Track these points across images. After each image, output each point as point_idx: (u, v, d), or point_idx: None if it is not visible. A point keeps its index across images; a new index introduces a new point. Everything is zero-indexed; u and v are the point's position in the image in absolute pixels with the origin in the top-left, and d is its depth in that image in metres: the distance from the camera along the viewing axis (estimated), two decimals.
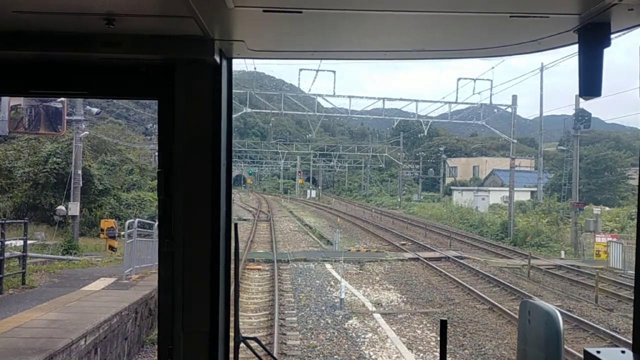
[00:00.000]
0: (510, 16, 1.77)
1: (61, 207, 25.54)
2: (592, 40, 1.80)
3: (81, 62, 2.08)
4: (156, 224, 17.17)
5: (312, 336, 13.20)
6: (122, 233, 18.18)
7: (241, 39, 2.05)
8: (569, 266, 24.06)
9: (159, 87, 2.10)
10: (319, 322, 14.41)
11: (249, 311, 15.47)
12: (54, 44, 1.94)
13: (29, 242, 14.94)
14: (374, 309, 16.16)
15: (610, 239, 26.08)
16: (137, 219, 15.96)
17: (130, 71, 2.09)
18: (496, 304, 16.26)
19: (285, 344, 12.50)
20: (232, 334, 2.22)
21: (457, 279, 20.34)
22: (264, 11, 1.74)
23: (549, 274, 22.43)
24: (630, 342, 1.80)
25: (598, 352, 1.73)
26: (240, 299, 16.06)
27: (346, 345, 12.63)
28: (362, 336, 13.38)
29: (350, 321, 14.65)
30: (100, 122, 51.30)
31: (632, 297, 1.92)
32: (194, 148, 2.08)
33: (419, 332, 14.02)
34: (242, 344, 2.25)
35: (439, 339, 2.12)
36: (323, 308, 15.94)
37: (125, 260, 14.66)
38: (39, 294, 12.00)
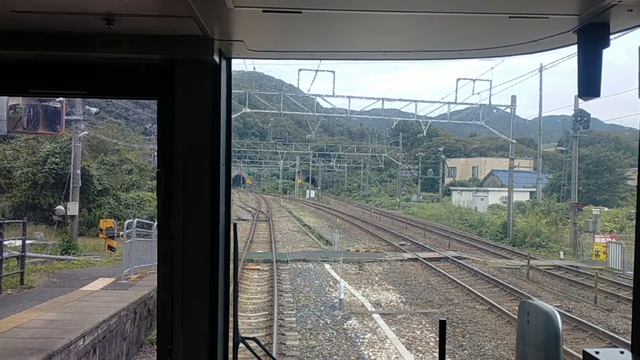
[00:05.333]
0: (510, 17, 1.77)
1: (60, 207, 25.51)
2: (592, 41, 1.80)
3: (81, 62, 2.08)
4: (155, 223, 17.16)
5: (311, 336, 13.19)
6: (121, 233, 18.16)
7: (241, 39, 2.05)
8: (568, 267, 24.08)
9: (159, 87, 2.10)
10: (318, 323, 14.40)
11: (248, 311, 15.45)
12: (53, 44, 1.93)
13: (28, 242, 14.93)
14: (373, 309, 16.15)
15: (610, 239, 26.09)
16: (136, 219, 15.93)
17: (130, 71, 2.09)
18: (495, 304, 16.26)
19: (284, 344, 12.49)
20: (231, 334, 2.23)
21: (456, 279, 20.35)
22: (264, 11, 1.74)
23: (548, 275, 22.43)
24: (629, 342, 1.80)
25: (597, 352, 1.73)
26: (239, 299, 16.06)
27: (345, 346, 12.62)
28: (361, 336, 13.37)
29: (350, 321, 14.64)
30: (100, 122, 51.24)
31: (631, 298, 1.90)
32: (193, 148, 2.09)
33: (418, 332, 14.01)
34: (241, 344, 2.24)
35: (437, 339, 2.13)
36: (322, 308, 15.93)
37: (124, 260, 14.64)
38: (37, 294, 11.98)
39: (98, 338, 9.22)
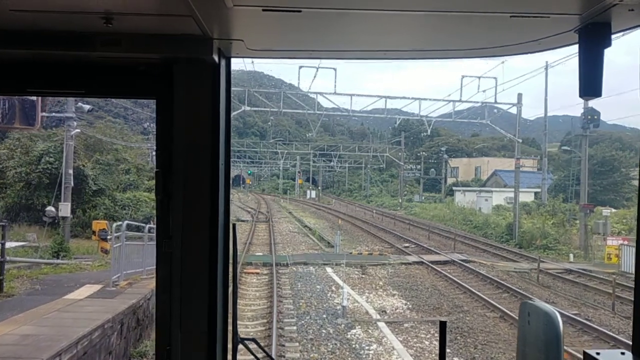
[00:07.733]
0: (511, 16, 1.76)
1: (51, 208, 24.63)
2: (593, 41, 1.79)
3: (79, 61, 2.07)
4: (147, 226, 16.27)
5: (313, 348, 12.31)
6: (109, 237, 17.29)
7: (240, 38, 2.04)
8: (580, 270, 23.15)
9: (158, 87, 2.09)
10: (320, 332, 13.52)
11: (246, 319, 14.58)
12: (52, 43, 1.92)
13: (20, 243, 13.99)
14: (378, 316, 15.27)
15: (622, 241, 25.15)
16: (126, 222, 15.02)
17: (129, 70, 2.09)
18: (507, 312, 15.36)
19: (284, 356, 11.62)
20: (230, 335, 2.22)
21: (464, 284, 19.45)
22: (263, 10, 1.73)
23: (559, 279, 21.54)
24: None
25: (598, 353, 1.75)
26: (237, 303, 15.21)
27: (349, 358, 11.75)
28: (367, 347, 12.49)
29: (353, 331, 13.76)
30: (98, 121, 50.47)
31: None
32: (192, 148, 2.08)
33: (426, 342, 13.15)
34: (240, 345, 2.20)
35: (440, 344, 2.01)
36: (324, 316, 15.03)
37: (113, 265, 13.71)
38: (16, 304, 11.02)
39: (78, 355, 8.32)
